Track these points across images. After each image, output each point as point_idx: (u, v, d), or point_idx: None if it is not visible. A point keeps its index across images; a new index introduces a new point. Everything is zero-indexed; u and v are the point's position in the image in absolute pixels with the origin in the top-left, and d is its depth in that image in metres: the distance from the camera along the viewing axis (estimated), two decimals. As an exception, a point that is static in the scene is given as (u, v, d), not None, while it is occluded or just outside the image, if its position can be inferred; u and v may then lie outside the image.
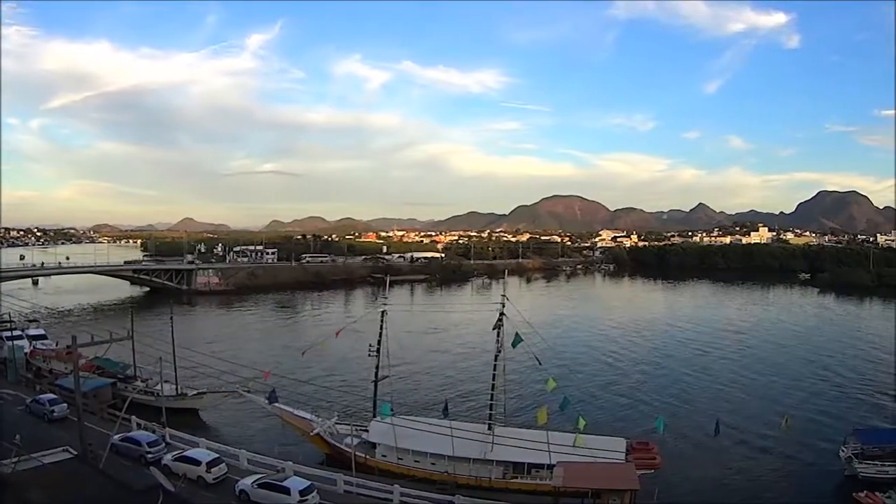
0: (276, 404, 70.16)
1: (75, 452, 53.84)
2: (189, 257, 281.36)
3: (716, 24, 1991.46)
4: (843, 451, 68.32)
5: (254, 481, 53.13)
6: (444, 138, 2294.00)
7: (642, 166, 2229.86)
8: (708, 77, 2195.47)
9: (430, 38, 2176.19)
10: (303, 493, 51.42)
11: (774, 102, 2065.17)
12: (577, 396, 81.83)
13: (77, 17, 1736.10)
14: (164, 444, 62.57)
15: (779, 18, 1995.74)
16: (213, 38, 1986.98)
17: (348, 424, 68.44)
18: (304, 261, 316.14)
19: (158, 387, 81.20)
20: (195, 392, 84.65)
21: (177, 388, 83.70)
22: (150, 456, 59.11)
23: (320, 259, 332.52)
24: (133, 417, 68.92)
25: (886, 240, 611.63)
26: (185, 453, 58.77)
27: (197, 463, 56.55)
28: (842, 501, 60.73)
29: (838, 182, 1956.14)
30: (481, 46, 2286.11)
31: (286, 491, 51.40)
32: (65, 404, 72.58)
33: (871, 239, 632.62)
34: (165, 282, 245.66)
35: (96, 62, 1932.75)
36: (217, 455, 58.82)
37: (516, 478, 60.93)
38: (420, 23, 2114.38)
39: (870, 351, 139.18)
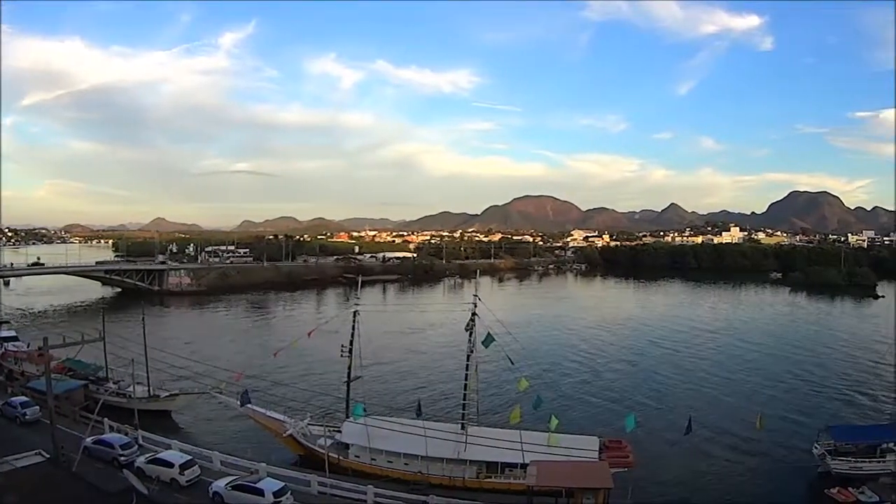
0: (249, 405, 69.48)
1: (48, 456, 53.59)
2: (161, 257, 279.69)
3: (689, 25, 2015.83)
4: (816, 447, 68.96)
5: (227, 483, 52.94)
6: (417, 138, 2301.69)
7: (614, 167, 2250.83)
8: (680, 78, 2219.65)
9: (404, 37, 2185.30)
10: (276, 494, 51.30)
11: (747, 104, 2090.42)
12: (550, 396, 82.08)
13: (49, 15, 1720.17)
14: (136, 447, 62.02)
15: (752, 21, 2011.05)
16: (187, 36, 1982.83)
17: (321, 425, 68.42)
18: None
19: (131, 388, 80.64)
20: (167, 394, 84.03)
21: (149, 390, 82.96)
22: (122, 459, 58.60)
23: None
24: (105, 420, 68.28)
25: (857, 240, 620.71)
26: (157, 455, 58.31)
27: (170, 465, 56.12)
28: (815, 497, 61.31)
29: (810, 183, 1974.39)
30: (454, 47, 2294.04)
31: (260, 492, 51.27)
32: (37, 407, 71.82)
33: (843, 239, 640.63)
34: (137, 282, 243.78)
35: (68, 60, 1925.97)
36: (190, 457, 58.45)
37: (490, 477, 61.00)
38: (394, 22, 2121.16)
39: (841, 349, 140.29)
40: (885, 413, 79.84)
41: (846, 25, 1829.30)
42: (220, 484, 53.13)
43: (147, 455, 59.01)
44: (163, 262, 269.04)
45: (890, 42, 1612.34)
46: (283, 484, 53.09)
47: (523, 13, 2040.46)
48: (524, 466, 57.09)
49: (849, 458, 66.33)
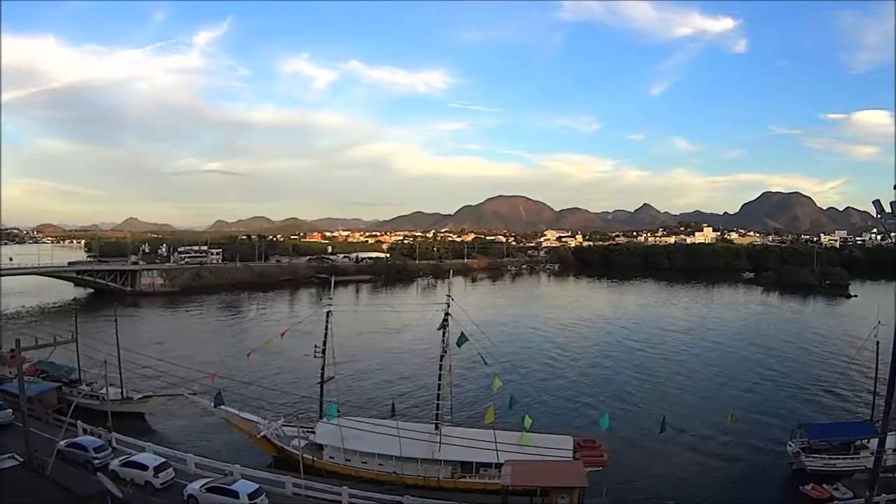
0: (223, 407, 69.09)
1: (21, 459, 52.97)
2: (133, 258, 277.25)
3: (663, 27, 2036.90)
4: (790, 445, 69.80)
5: (202, 485, 52.72)
6: (390, 138, 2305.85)
7: (587, 167, 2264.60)
8: (654, 80, 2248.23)
9: (378, 37, 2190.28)
10: (251, 496, 51.12)
11: (720, 105, 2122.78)
12: (524, 395, 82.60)
13: (23, 13, 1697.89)
14: (110, 450, 61.64)
15: (726, 23, 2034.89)
16: (161, 34, 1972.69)
17: (295, 426, 68.29)
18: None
19: (104, 390, 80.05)
20: (141, 395, 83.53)
21: (122, 392, 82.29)
22: (96, 462, 58.14)
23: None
24: (79, 422, 67.48)
25: (830, 240, 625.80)
26: (131, 458, 57.92)
27: (144, 468, 55.70)
28: (790, 494, 61.80)
29: (782, 183, 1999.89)
30: (428, 47, 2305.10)
31: (234, 494, 51.07)
32: (9, 410, 70.86)
33: (815, 239, 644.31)
34: (109, 283, 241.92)
35: (41, 58, 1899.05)
36: (164, 459, 58.08)
37: (464, 477, 61.14)
38: (368, 22, 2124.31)
39: (814, 348, 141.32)
40: (858, 411, 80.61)
41: (819, 28, 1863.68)
42: (194, 486, 52.87)
43: (121, 458, 58.62)
44: (135, 263, 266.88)
45: (862, 45, 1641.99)
46: (257, 485, 52.87)
47: (497, 13, 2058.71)
48: (498, 466, 57.01)
49: (823, 455, 67.13)
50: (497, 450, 58.55)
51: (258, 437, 67.66)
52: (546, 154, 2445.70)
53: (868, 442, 66.84)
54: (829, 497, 58.75)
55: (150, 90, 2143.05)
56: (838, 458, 66.84)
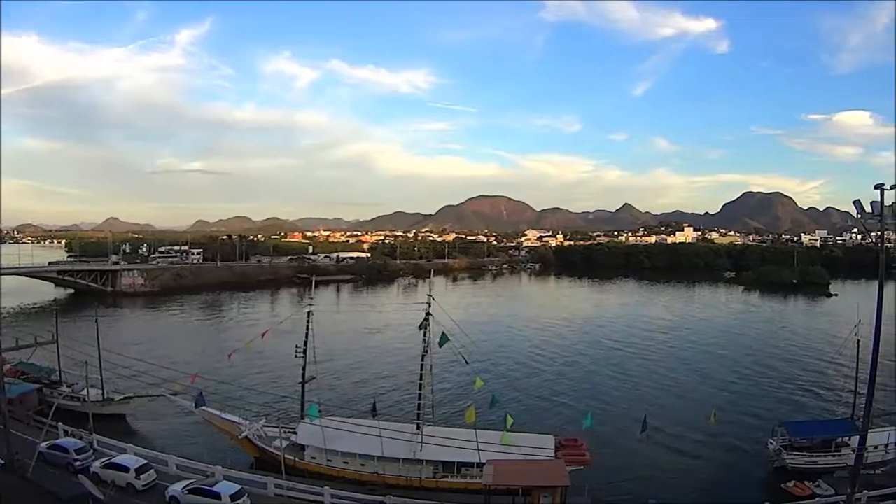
0: (204, 408, 68.71)
1: (2, 462, 52.58)
2: (114, 258, 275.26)
3: (645, 28, 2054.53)
4: (771, 443, 70.01)
5: (184, 487, 52.49)
6: (372, 138, 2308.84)
7: (569, 167, 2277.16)
8: (636, 80, 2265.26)
9: (360, 36, 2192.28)
10: (233, 497, 50.98)
11: (702, 106, 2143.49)
12: (505, 395, 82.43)
13: (5, 9, 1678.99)
14: (91, 451, 61.15)
15: (708, 24, 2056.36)
16: (143, 32, 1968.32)
17: (276, 427, 67.91)
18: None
19: (84, 392, 79.56)
20: (122, 397, 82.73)
21: (103, 393, 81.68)
22: (78, 464, 57.70)
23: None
24: (60, 424, 67.15)
25: (810, 239, 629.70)
26: (113, 460, 57.49)
27: (126, 469, 55.33)
28: (772, 492, 61.44)
29: (763, 183, 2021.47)
30: (411, 46, 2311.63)
31: (217, 496, 50.89)
32: (-11, 411, 70.45)
33: (796, 238, 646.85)
34: (90, 283, 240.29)
35: (23, 56, 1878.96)
36: (146, 461, 57.73)
37: (446, 477, 61.08)
38: (351, 21, 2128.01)
39: (794, 347, 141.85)
40: (839, 409, 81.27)
41: (802, 30, 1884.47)
42: (176, 488, 52.63)
43: (102, 459, 58.16)
44: (116, 263, 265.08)
45: (844, 47, 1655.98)
46: (239, 487, 52.65)
47: (480, 14, 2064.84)
48: (480, 466, 57.19)
49: (804, 453, 67.49)
50: (479, 449, 58.61)
51: (240, 437, 67.30)
52: (527, 154, 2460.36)
53: (849, 439, 67.08)
54: (810, 494, 58.88)
55: (132, 89, 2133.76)
56: (819, 456, 67.18)
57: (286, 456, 60.55)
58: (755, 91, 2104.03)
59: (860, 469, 51.09)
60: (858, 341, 69.55)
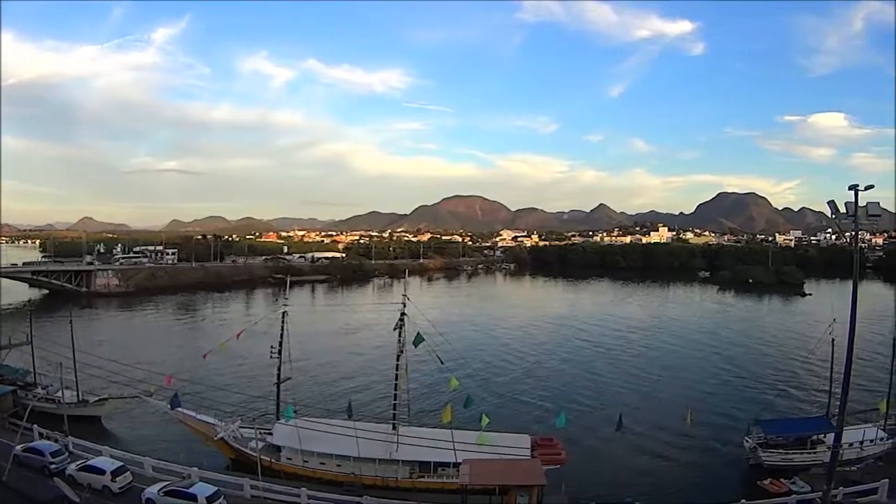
0: (179, 409, 68.30)
1: (-23, 465, 52.15)
2: (88, 258, 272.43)
3: (622, 30, 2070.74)
4: (746, 441, 70.48)
5: (160, 489, 52.16)
6: (347, 137, 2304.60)
7: (544, 167, 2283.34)
8: (612, 81, 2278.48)
9: (336, 36, 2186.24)
10: (210, 498, 50.72)
11: (677, 107, 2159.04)
12: (481, 394, 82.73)
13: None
14: (67, 454, 60.46)
15: (684, 26, 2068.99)
16: (119, 30, 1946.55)
17: (252, 428, 67.62)
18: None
19: (59, 394, 78.50)
20: (97, 398, 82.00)
21: (78, 395, 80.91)
22: (53, 466, 57.05)
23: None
24: (35, 426, 66.42)
25: (785, 239, 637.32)
26: (88, 462, 56.98)
27: (101, 472, 54.86)
28: (748, 489, 61.62)
29: (738, 184, 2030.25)
30: (387, 46, 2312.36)
31: (193, 498, 50.61)
32: (-37, 415, 69.72)
33: (771, 238, 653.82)
34: (65, 284, 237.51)
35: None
36: (122, 463, 57.23)
37: (423, 477, 61.14)
38: (327, 21, 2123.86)
39: (769, 346, 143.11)
40: (814, 406, 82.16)
41: (778, 32, 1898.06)
42: (152, 490, 52.25)
43: (78, 462, 57.54)
44: (90, 263, 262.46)
45: (820, 49, 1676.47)
46: (215, 488, 52.40)
47: (457, 14, 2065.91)
48: (457, 465, 57.13)
49: (780, 451, 68.02)
50: (455, 449, 58.54)
51: (215, 439, 66.82)
52: (503, 154, 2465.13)
53: (824, 437, 67.78)
54: (786, 491, 59.24)
55: (108, 87, 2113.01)
56: (795, 453, 67.80)
57: (262, 457, 60.12)
58: (731, 93, 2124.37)
59: (836, 466, 51.84)
60: (833, 340, 70.28)
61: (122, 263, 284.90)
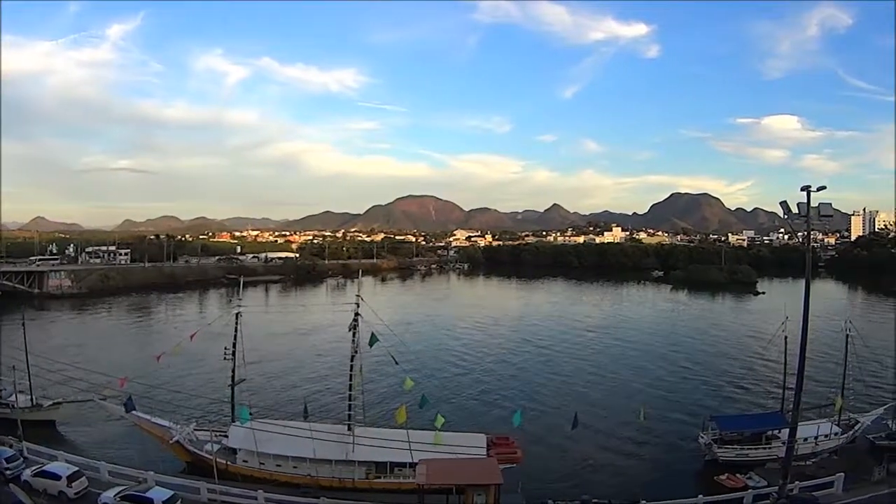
0: (134, 412, 67.01)
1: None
2: (41, 258, 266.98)
3: (577, 31, 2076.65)
4: (701, 437, 70.84)
5: (116, 493, 51.27)
6: (301, 136, 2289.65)
7: (498, 167, 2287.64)
8: (566, 82, 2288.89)
9: (291, 34, 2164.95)
10: (166, 503, 50.12)
11: (631, 108, 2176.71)
12: (436, 394, 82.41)
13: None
14: (22, 459, 59.31)
15: (639, 29, 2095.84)
16: (74, 26, 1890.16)
17: (207, 430, 66.85)
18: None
19: (13, 398, 76.71)
20: (51, 402, 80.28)
21: (32, 399, 79.06)
22: (8, 472, 55.99)
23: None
24: (-12, 432, 65.31)
25: (738, 239, 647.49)
26: (44, 468, 55.73)
27: (57, 478, 53.76)
28: (704, 484, 62.33)
29: (691, 185, 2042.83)
30: (342, 45, 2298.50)
31: (149, 502, 49.96)
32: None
33: (723, 238, 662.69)
34: (16, 285, 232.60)
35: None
36: (77, 468, 56.12)
37: (379, 477, 60.88)
38: (281, 19, 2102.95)
39: (723, 344, 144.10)
40: (769, 402, 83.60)
41: (733, 36, 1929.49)
42: (108, 495, 51.37)
43: (33, 468, 56.35)
44: (42, 264, 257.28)
45: (775, 53, 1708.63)
46: (172, 492, 51.79)
47: (413, 14, 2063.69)
48: (413, 465, 56.99)
49: (735, 446, 68.63)
50: (411, 449, 58.48)
51: (171, 442, 65.87)
52: (457, 154, 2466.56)
53: (779, 432, 68.73)
54: (743, 486, 59.83)
55: (61, 83, 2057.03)
56: (750, 449, 68.48)
57: (218, 460, 59.61)
58: (685, 95, 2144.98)
59: (791, 460, 52.93)
60: (786, 337, 71.71)
61: (38, 265, 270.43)
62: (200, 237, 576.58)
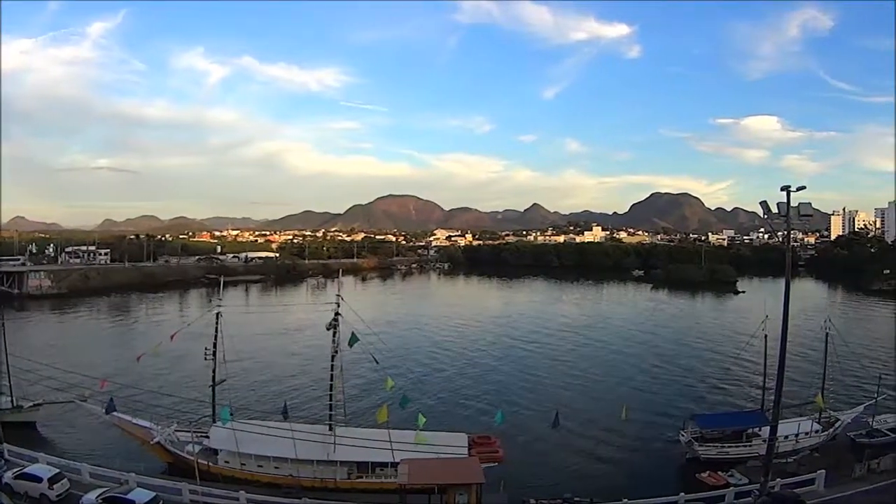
0: (115, 413, 66.73)
1: None
2: (20, 259, 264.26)
3: (558, 32, 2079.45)
4: (682, 435, 70.90)
5: (98, 495, 50.90)
6: (282, 136, 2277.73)
7: (478, 167, 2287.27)
8: (547, 83, 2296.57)
9: (273, 33, 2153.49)
10: (148, 504, 49.80)
11: (612, 109, 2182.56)
12: (417, 394, 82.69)
13: None
14: (2, 461, 58.83)
15: (621, 30, 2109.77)
16: (54, 24, 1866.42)
17: (188, 431, 66.50)
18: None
19: (-7, 400, 76.46)
20: (31, 404, 79.43)
21: (12, 401, 78.34)
22: (-11, 475, 55.45)
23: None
24: (-31, 435, 64.51)
25: (718, 238, 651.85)
26: (25, 470, 55.07)
27: (38, 480, 53.23)
28: (686, 482, 62.26)
29: (671, 184, 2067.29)
30: (323, 44, 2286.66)
31: (131, 504, 49.73)
32: None
33: (704, 238, 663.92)
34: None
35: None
36: (59, 470, 55.60)
37: (361, 477, 60.70)
38: (263, 18, 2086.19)
39: (703, 342, 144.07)
40: (749, 401, 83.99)
41: (714, 38, 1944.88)
42: (90, 497, 50.97)
43: (14, 470, 55.73)
44: (23, 264, 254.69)
45: (755, 54, 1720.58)
46: (154, 494, 51.49)
47: (394, 13, 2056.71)
48: (395, 465, 56.72)
49: (716, 444, 68.91)
50: (393, 449, 58.42)
51: (152, 443, 65.28)
52: (437, 154, 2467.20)
53: (760, 430, 69.08)
54: (724, 483, 60.05)
55: (40, 82, 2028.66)
56: (731, 447, 68.76)
57: (199, 461, 59.13)
58: (665, 95, 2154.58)
59: (772, 458, 53.27)
60: (766, 336, 72.36)
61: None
62: (180, 237, 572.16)
